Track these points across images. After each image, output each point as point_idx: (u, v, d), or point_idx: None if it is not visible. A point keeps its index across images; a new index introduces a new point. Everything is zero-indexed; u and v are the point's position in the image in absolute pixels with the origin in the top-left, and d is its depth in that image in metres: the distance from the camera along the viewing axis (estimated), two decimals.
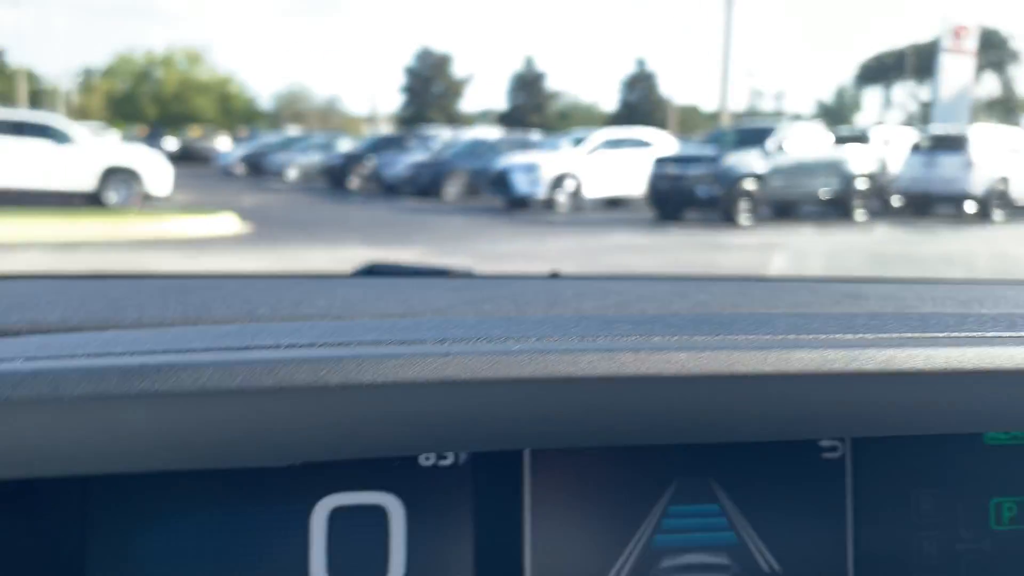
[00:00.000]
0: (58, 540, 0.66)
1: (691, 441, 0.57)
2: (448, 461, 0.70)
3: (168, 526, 0.67)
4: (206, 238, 11.82)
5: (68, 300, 0.72)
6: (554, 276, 1.04)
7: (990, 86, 49.08)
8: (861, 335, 0.56)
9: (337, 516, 0.68)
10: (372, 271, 1.29)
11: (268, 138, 33.98)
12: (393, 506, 0.69)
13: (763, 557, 0.74)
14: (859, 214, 17.41)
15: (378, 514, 0.69)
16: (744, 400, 0.54)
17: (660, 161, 16.63)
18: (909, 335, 0.57)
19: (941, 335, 0.57)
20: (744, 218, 15.67)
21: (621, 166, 18.62)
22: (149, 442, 0.48)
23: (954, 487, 0.76)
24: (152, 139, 37.93)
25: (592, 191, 18.50)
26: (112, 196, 14.63)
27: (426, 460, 0.70)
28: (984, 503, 0.77)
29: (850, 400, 0.55)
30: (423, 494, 0.69)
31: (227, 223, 12.99)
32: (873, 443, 0.75)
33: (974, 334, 0.58)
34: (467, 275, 1.10)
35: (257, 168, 29.44)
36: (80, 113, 51.15)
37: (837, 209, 17.51)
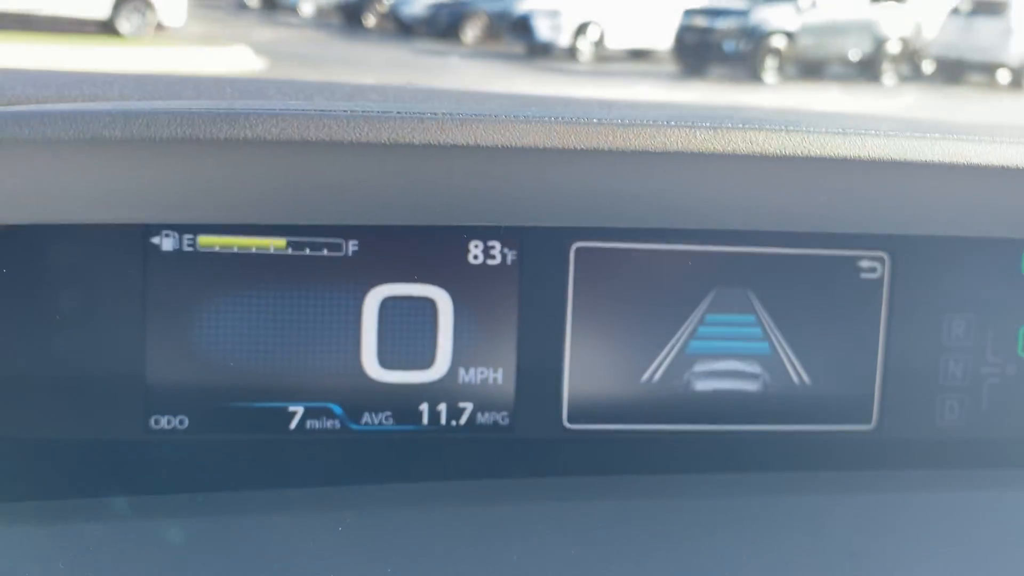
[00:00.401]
0: (120, 306, 0.68)
1: (753, 227, 0.58)
2: (496, 260, 0.71)
3: (226, 301, 0.69)
4: (221, 73, 11.62)
5: (123, 84, 0.72)
6: None
7: None
8: (929, 134, 0.57)
9: (388, 305, 0.71)
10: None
11: None
12: (442, 299, 0.71)
13: (794, 368, 0.76)
14: (888, 78, 17.00)
15: (427, 306, 0.71)
16: (813, 185, 0.55)
17: (689, 13, 16.13)
18: (976, 135, 0.57)
19: (1009, 138, 0.58)
20: (770, 76, 15.35)
21: (647, 16, 18.06)
22: (227, 191, 0.49)
23: (986, 313, 0.78)
24: None
25: (616, 41, 18.00)
26: (125, 24, 14.30)
27: (475, 259, 0.71)
28: (1014, 330, 0.79)
29: (914, 192, 0.56)
30: (471, 290, 0.71)
31: (243, 57, 12.75)
32: (912, 266, 0.76)
33: None
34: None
35: (271, 2, 28.67)
36: None
37: (866, 72, 17.10)
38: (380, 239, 0.68)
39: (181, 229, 0.67)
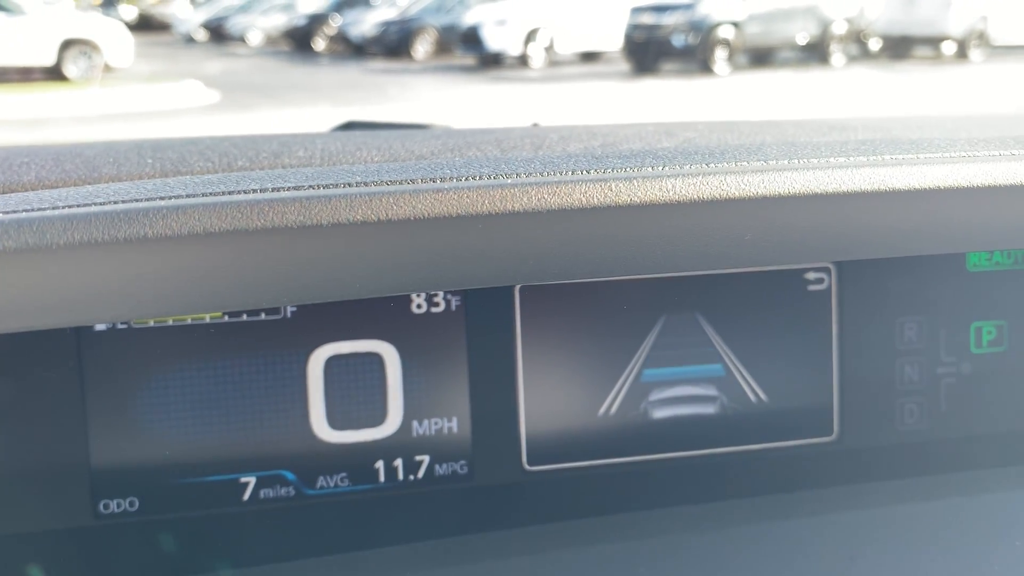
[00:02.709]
0: (57, 392, 0.67)
1: (682, 271, 0.58)
2: (440, 308, 0.70)
3: (166, 376, 0.68)
4: (173, 109, 11.53)
5: (41, 162, 0.70)
6: (535, 126, 1.03)
7: None
8: (854, 157, 0.56)
9: (333, 364, 0.69)
10: (350, 127, 1.27)
11: (228, 1, 32.71)
12: (388, 353, 0.70)
13: (750, 387, 0.76)
14: (836, 59, 17.22)
15: (374, 361, 0.70)
16: (736, 226, 0.54)
17: (636, 11, 16.23)
18: (902, 156, 0.57)
19: (934, 155, 0.57)
20: (721, 67, 15.43)
21: (596, 18, 18.17)
22: (138, 290, 0.48)
23: (937, 313, 0.78)
24: (107, 7, 36.45)
25: (567, 45, 18.09)
26: (72, 69, 14.13)
27: (418, 308, 0.70)
28: (965, 328, 0.78)
29: (842, 222, 0.56)
30: (417, 340, 0.70)
31: (193, 91, 12.65)
32: (858, 274, 0.75)
33: (966, 153, 0.58)
34: (447, 128, 1.08)
35: (218, 33, 28.50)
36: None
37: (815, 54, 17.29)
38: None
39: None
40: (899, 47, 18.07)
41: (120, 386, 0.67)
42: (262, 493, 0.69)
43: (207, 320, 0.68)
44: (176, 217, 0.46)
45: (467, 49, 18.17)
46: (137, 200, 0.47)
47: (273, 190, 0.49)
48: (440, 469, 0.71)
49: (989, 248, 0.69)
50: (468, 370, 0.71)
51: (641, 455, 0.74)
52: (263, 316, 0.68)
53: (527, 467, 0.73)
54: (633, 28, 16.03)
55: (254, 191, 0.48)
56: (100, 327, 0.67)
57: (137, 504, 0.68)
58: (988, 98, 10.50)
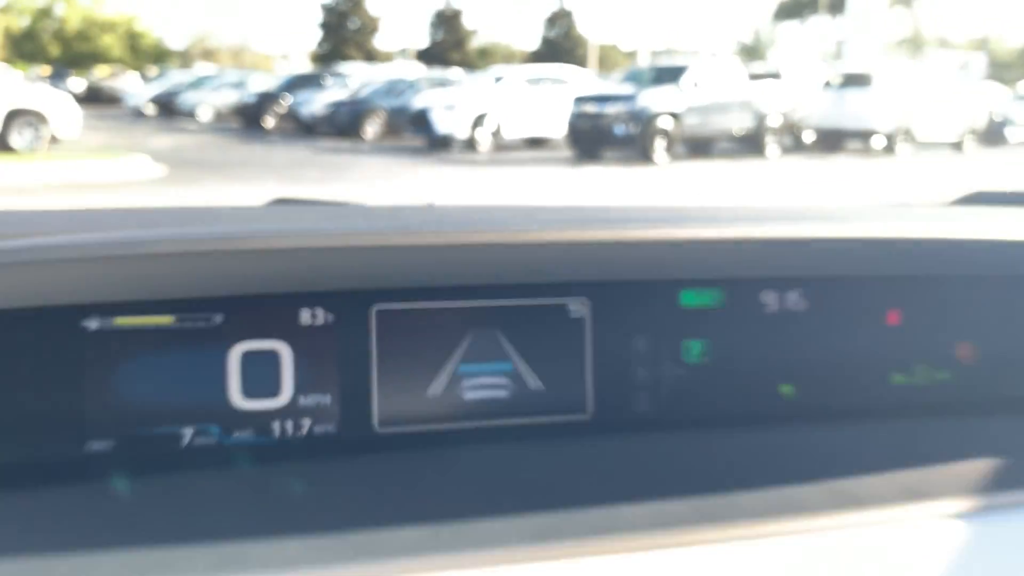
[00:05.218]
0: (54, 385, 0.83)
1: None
2: (320, 320, 1.04)
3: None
4: (119, 182, 11.47)
5: None
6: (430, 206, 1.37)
7: (901, 24, 49.93)
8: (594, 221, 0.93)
9: (246, 357, 1.02)
10: (280, 204, 1.60)
11: (179, 77, 32.66)
12: (284, 350, 1.03)
13: (533, 379, 1.10)
14: (771, 150, 17.44)
15: (274, 355, 1.03)
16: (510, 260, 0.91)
17: (579, 100, 16.33)
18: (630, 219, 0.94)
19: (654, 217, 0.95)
20: (660, 156, 15.61)
21: (541, 106, 18.30)
22: None
23: (658, 333, 1.12)
24: (56, 79, 35.96)
25: (513, 131, 18.17)
26: (17, 139, 13.61)
27: (304, 321, 1.04)
28: (677, 344, 1.13)
29: (597, 260, 0.93)
30: (304, 343, 1.03)
31: (141, 165, 12.52)
32: (607, 306, 1.11)
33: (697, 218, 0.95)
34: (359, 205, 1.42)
35: (168, 108, 28.06)
36: None
37: (750, 146, 17.48)
38: (237, 311, 1.01)
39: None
40: (831, 140, 18.61)
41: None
42: (196, 441, 1.01)
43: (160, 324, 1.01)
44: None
45: (416, 131, 18.24)
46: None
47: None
48: (317, 429, 1.04)
49: (697, 286, 1.06)
50: (337, 365, 1.04)
51: (457, 423, 1.08)
52: (201, 324, 1.01)
53: (378, 429, 1.06)
54: (577, 117, 16.18)
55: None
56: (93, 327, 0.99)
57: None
58: (911, 188, 11.10)
